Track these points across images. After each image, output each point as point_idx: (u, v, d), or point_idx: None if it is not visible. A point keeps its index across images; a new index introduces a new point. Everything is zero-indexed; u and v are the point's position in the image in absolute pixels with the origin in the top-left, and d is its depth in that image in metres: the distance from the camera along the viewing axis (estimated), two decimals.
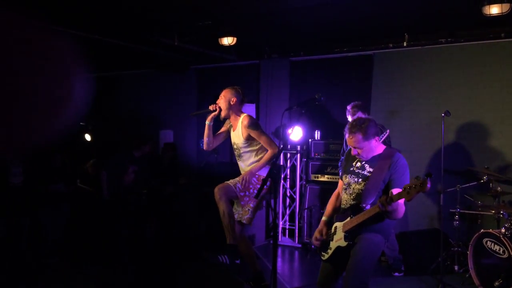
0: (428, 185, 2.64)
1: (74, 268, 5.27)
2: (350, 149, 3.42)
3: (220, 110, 4.15)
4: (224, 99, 4.15)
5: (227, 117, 4.23)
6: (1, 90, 0.92)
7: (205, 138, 4.24)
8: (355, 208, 3.11)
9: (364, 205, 3.06)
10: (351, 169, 3.27)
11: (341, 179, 3.40)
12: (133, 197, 6.26)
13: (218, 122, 4.37)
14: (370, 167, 3.16)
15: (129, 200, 6.17)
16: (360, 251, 3.03)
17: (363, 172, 3.18)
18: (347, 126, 3.18)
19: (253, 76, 7.42)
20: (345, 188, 3.27)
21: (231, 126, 4.28)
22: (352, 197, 3.18)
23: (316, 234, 3.32)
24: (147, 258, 5.67)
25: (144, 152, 6.36)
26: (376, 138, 3.14)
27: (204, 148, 4.32)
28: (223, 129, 4.39)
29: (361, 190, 3.12)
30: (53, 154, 6.18)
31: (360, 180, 3.16)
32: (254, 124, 4.11)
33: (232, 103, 4.14)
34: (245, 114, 4.18)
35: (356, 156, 3.21)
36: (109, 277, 4.94)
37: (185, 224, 6.44)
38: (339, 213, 3.28)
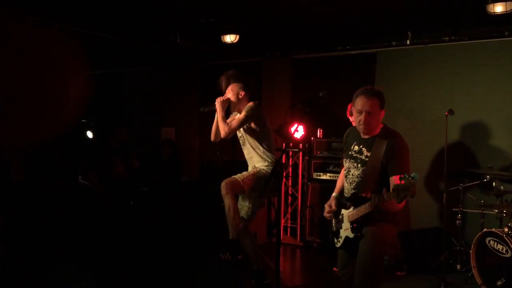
0: (413, 190, 2.53)
1: (74, 266, 5.26)
2: (350, 130, 3.32)
3: (230, 101, 4.16)
4: (233, 93, 4.15)
5: (235, 110, 4.24)
6: (4, 87, 0.91)
7: (214, 129, 4.23)
8: (356, 198, 3.00)
9: (364, 195, 2.93)
10: (350, 153, 3.12)
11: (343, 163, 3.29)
12: (134, 194, 6.26)
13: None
14: (367, 150, 3.00)
15: (129, 196, 6.18)
16: (367, 245, 2.95)
17: (360, 157, 3.03)
18: (362, 90, 3.01)
19: (255, 73, 7.39)
20: (346, 175, 3.15)
21: None
22: (352, 186, 3.07)
23: (326, 208, 3.26)
24: (148, 256, 5.66)
25: (120, 140, 6.42)
26: (383, 112, 3.01)
27: (212, 139, 4.30)
28: (230, 119, 4.37)
29: (360, 176, 2.99)
30: (54, 151, 6.18)
31: (358, 165, 3.03)
32: (248, 109, 4.10)
33: (240, 97, 4.15)
34: (251, 102, 4.21)
35: (360, 127, 3.02)
36: (109, 275, 4.94)
37: (187, 221, 6.43)
38: (343, 199, 3.19)
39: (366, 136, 3.07)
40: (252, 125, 4.12)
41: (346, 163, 3.15)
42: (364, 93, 2.97)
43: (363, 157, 3.02)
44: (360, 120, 2.98)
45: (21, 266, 5.04)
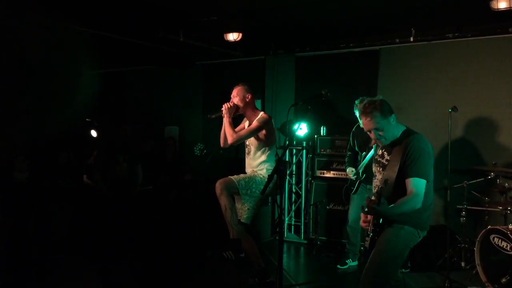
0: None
1: (80, 264, 5.28)
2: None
3: (237, 106, 4.14)
4: (239, 97, 4.14)
5: (243, 114, 4.23)
6: (7, 85, 0.92)
7: (222, 135, 4.21)
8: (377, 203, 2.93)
9: (383, 200, 2.85)
10: (376, 157, 3.12)
11: None
12: (137, 193, 6.27)
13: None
14: (388, 154, 2.99)
15: (132, 195, 6.19)
16: (380, 245, 2.95)
17: (383, 161, 3.02)
18: (361, 110, 3.01)
19: (258, 72, 7.39)
20: (373, 179, 3.14)
21: (248, 123, 4.28)
22: (375, 190, 3.03)
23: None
24: (152, 254, 5.68)
25: (124, 138, 6.35)
26: (393, 116, 2.97)
27: (221, 145, 4.29)
28: (241, 126, 4.38)
29: (382, 181, 2.95)
30: (58, 150, 6.19)
31: (381, 169, 3.01)
32: (262, 121, 4.09)
33: (247, 100, 4.14)
34: (263, 112, 4.21)
35: (378, 142, 3.03)
36: (114, 274, 4.96)
37: (190, 220, 6.44)
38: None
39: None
40: (262, 136, 4.11)
41: (373, 167, 3.14)
42: (364, 113, 2.96)
43: (384, 161, 3.01)
44: (379, 136, 2.98)
45: (25, 265, 5.08)
